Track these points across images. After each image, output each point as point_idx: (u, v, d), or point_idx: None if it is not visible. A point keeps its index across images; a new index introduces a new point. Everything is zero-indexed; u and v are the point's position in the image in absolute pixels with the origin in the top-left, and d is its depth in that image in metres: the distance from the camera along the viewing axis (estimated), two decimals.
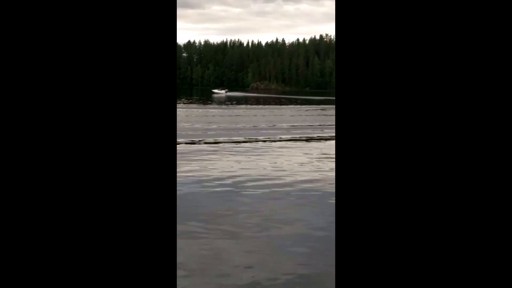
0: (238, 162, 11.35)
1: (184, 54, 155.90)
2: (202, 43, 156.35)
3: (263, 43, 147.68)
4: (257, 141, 15.81)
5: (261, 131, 19.16)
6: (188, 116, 26.61)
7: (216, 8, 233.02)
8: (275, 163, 11.37)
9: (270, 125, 22.21)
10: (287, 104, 45.66)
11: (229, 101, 51.32)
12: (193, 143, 14.99)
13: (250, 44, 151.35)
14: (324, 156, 12.67)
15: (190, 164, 10.74)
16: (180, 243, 4.41)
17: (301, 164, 11.28)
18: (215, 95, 71.37)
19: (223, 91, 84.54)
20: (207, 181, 9.02)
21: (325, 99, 52.81)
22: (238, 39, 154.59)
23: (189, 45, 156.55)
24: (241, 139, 16.36)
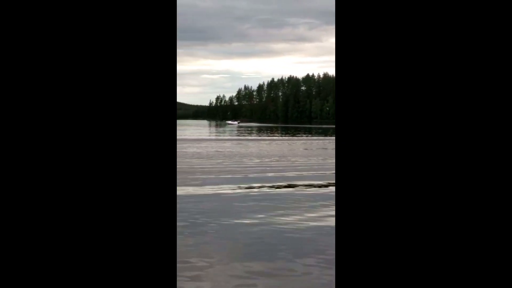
0: None
1: (303, 88, 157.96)
2: (321, 76, 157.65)
3: None
4: None
5: None
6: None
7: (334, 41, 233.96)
8: None
9: None
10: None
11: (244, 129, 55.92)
12: None
13: None
14: None
15: None
16: None
17: None
18: (228, 126, 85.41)
19: (235, 122, 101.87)
20: None
21: None
22: None
23: (308, 78, 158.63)
24: None
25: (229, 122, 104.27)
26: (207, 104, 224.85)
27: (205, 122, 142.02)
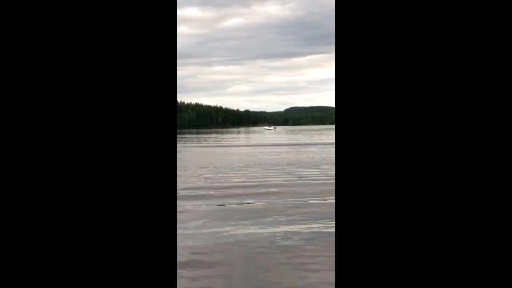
0: None
1: None
2: None
3: None
4: None
5: None
6: None
7: None
8: None
9: None
10: None
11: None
12: None
13: None
14: None
15: None
16: None
17: None
18: (266, 131, 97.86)
19: (272, 127, 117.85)
20: None
21: None
22: None
23: None
24: None
25: (266, 127, 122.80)
26: None
27: None
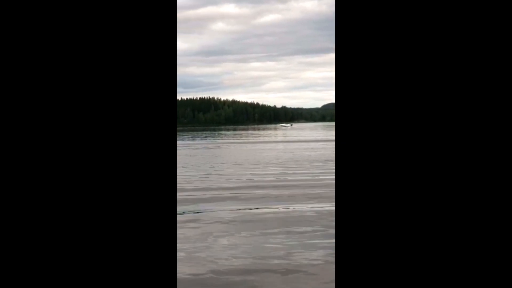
0: None
1: None
2: None
3: None
4: None
5: None
6: None
7: None
8: None
9: None
10: None
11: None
12: None
13: None
14: None
15: None
16: None
17: None
18: (283, 127, 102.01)
19: (288, 124, 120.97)
20: None
21: None
22: None
23: None
24: None
25: (283, 124, 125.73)
26: None
27: None
